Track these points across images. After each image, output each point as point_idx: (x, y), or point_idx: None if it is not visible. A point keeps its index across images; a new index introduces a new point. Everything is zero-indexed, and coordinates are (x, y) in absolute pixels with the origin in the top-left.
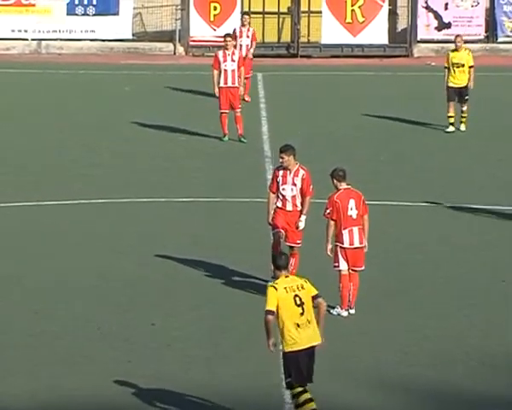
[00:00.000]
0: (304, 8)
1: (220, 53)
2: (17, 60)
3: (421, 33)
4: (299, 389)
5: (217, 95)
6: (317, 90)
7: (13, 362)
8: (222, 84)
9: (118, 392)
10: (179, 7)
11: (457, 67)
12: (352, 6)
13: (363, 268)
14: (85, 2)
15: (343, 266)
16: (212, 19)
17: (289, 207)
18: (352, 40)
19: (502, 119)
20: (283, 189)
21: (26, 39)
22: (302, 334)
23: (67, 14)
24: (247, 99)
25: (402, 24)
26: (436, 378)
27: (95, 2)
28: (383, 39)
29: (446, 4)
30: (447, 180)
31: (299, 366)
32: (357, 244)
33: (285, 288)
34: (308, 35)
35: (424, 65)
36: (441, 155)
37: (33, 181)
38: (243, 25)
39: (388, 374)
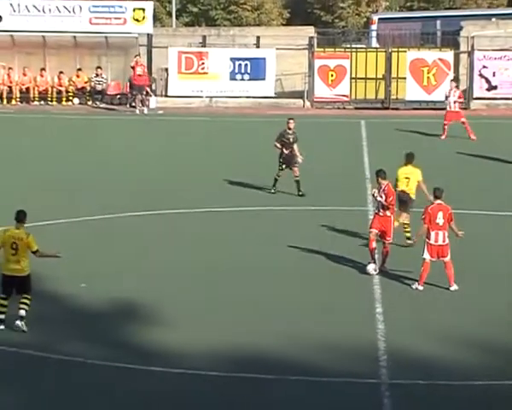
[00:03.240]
0: (393, 75)
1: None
2: (195, 111)
3: (476, 93)
4: (3, 296)
5: None
6: (402, 132)
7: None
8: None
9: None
10: (307, 74)
11: None
12: (428, 74)
13: (448, 258)
14: (242, 71)
15: (426, 256)
16: (329, 82)
17: (381, 213)
18: (427, 97)
19: None
20: (379, 201)
21: (202, 97)
22: (9, 266)
23: (230, 80)
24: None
25: (462, 86)
26: None
27: (249, 71)
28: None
29: (494, 73)
30: None
31: (7, 284)
32: (440, 242)
33: (9, 235)
34: (396, 93)
35: (478, 115)
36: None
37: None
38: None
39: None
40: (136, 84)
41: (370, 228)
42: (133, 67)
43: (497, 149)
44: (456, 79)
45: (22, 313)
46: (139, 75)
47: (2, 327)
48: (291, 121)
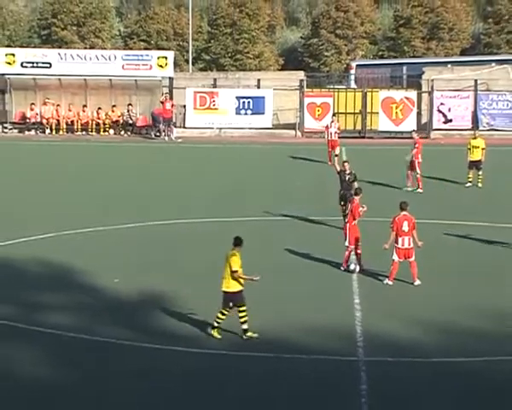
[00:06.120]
0: (368, 110)
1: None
2: (207, 140)
3: (435, 125)
4: (222, 309)
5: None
6: (376, 157)
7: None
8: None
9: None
10: (298, 109)
11: (475, 149)
12: (396, 109)
13: (413, 258)
14: (246, 107)
15: (395, 257)
16: (316, 116)
17: (355, 223)
18: (396, 128)
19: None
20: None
21: (213, 128)
22: (222, 282)
23: (236, 114)
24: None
25: (424, 119)
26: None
27: (251, 107)
28: (413, 128)
29: (449, 109)
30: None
31: (222, 299)
32: (406, 246)
33: (226, 255)
34: (371, 125)
35: (437, 143)
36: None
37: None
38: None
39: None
40: (165, 117)
41: (358, 238)
42: (163, 102)
43: (454, 170)
44: (419, 113)
45: (243, 326)
46: (168, 110)
47: (214, 333)
48: (346, 164)
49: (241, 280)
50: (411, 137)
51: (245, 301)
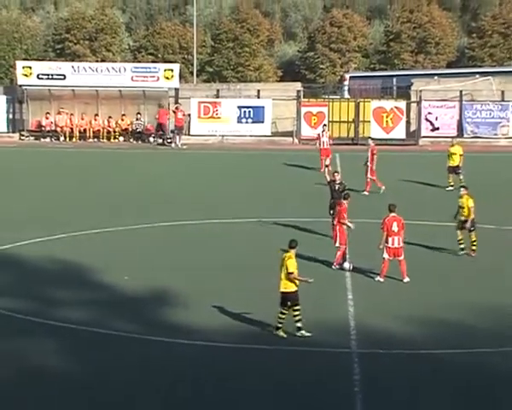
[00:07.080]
0: (361, 118)
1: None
2: (211, 146)
3: (423, 133)
4: (282, 309)
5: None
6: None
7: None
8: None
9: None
10: (295, 118)
11: (453, 155)
12: (386, 118)
13: (402, 257)
14: (247, 116)
15: (385, 255)
16: (312, 124)
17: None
18: (386, 136)
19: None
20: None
21: (216, 135)
22: (280, 283)
23: (237, 122)
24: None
25: (413, 127)
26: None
27: (252, 116)
28: (402, 135)
29: (436, 117)
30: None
31: (281, 299)
32: (396, 245)
33: (281, 257)
34: (363, 133)
35: (425, 150)
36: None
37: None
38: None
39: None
40: (176, 126)
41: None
42: (174, 112)
43: (440, 175)
44: (408, 122)
45: (297, 324)
46: (180, 119)
47: (279, 333)
48: (336, 174)
49: (297, 281)
50: (367, 144)
51: (299, 300)
